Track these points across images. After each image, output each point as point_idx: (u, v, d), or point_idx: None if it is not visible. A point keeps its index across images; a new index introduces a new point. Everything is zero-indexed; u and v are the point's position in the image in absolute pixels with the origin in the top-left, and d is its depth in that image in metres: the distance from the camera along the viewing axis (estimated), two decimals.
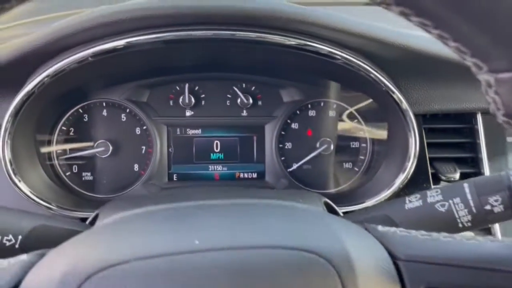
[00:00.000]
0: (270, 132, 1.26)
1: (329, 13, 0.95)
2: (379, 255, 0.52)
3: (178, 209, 0.68)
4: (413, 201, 0.76)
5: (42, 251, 0.56)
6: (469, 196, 0.71)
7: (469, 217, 0.71)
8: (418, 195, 0.76)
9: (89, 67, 0.97)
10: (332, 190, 1.27)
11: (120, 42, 0.91)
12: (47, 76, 0.92)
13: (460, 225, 0.72)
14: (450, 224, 0.72)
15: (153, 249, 0.48)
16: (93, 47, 0.91)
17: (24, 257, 0.54)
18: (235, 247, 0.47)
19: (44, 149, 1.16)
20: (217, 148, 1.27)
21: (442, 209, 0.72)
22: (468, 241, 0.53)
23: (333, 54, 0.96)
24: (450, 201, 0.72)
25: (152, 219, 0.61)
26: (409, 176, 1.05)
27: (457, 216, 0.71)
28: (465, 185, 0.72)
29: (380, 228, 0.57)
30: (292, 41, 0.94)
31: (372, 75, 0.98)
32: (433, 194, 0.74)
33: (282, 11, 0.91)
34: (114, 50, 0.92)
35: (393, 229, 0.57)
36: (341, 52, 0.96)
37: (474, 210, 0.70)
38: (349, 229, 0.55)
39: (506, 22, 0.34)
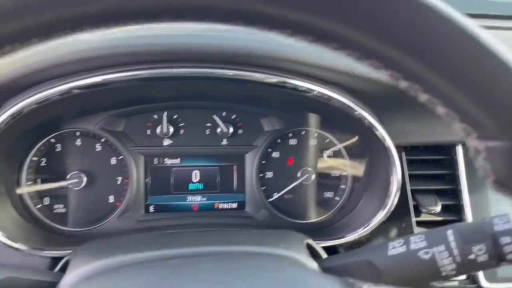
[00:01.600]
0: (251, 162, 1.24)
1: (308, 48, 0.94)
2: None
3: (149, 266, 0.65)
4: (396, 247, 0.75)
5: None
6: (453, 245, 0.70)
7: (453, 266, 0.70)
8: (401, 241, 0.75)
9: (62, 100, 0.92)
10: (313, 220, 1.25)
11: (96, 79, 0.87)
12: (12, 115, 0.87)
13: (444, 273, 0.71)
14: (433, 272, 0.71)
15: None
16: (67, 82, 0.87)
17: None
18: None
19: (14, 183, 1.10)
20: (196, 178, 1.23)
21: (426, 257, 0.71)
22: None
23: (314, 91, 0.94)
24: (434, 249, 0.71)
25: (129, 277, 0.58)
26: (390, 213, 1.04)
27: (440, 264, 0.70)
28: (449, 232, 0.71)
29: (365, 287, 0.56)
30: (273, 79, 0.92)
31: (356, 112, 0.97)
32: (417, 240, 0.73)
33: (257, 48, 0.89)
34: (90, 86, 0.88)
35: None
36: (323, 88, 0.95)
37: (458, 259, 0.69)
38: None
39: (500, 92, 0.33)
